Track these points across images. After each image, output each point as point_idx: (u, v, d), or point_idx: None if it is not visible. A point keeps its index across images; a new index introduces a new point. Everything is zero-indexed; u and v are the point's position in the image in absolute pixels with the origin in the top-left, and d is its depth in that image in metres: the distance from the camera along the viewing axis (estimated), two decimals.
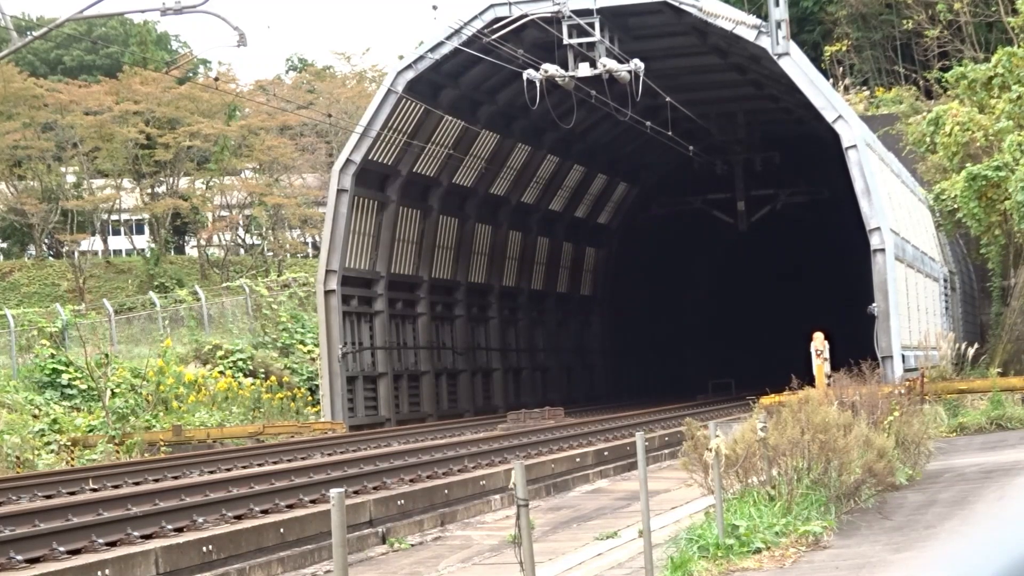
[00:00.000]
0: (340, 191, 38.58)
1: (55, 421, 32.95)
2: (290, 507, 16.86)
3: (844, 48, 64.31)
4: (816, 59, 53.08)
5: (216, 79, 56.08)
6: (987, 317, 49.36)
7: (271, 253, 71.57)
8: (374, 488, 18.74)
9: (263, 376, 41.44)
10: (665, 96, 38.98)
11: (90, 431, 33.02)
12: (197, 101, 68.51)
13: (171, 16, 28.67)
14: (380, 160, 39.81)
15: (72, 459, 30.60)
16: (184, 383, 38.01)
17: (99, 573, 12.95)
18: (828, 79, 47.12)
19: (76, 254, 71.44)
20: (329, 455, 26.43)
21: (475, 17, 36.67)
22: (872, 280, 33.67)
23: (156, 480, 22.20)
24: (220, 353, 41.75)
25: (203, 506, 16.14)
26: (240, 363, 41.64)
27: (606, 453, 25.23)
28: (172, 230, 76.51)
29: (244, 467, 24.09)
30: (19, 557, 13.28)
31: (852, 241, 40.39)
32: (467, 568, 14.40)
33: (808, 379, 22.86)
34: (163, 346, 40.62)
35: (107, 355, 36.28)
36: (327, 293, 38.52)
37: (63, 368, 37.12)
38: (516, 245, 49.47)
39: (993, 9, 57.29)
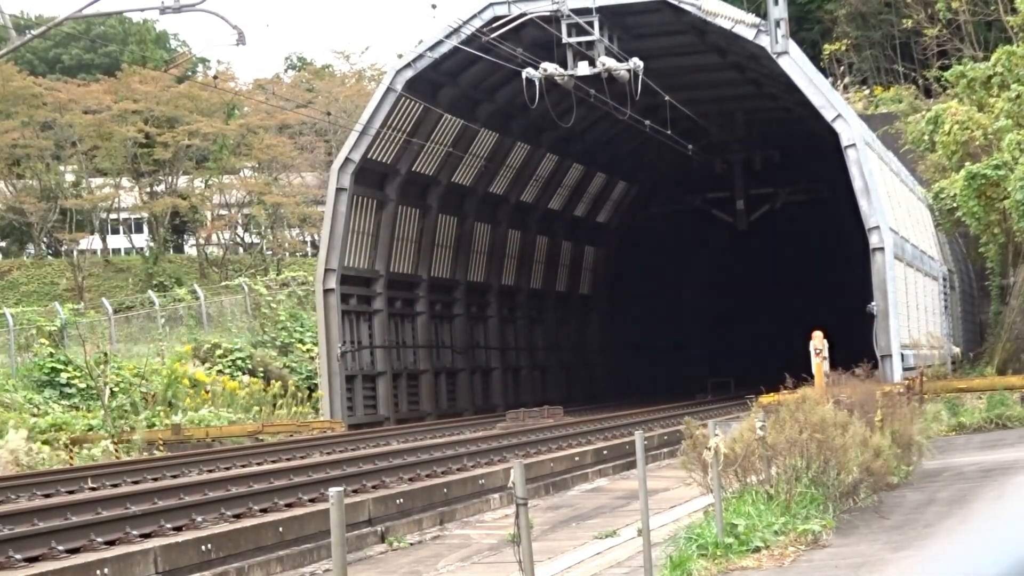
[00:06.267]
0: (339, 190, 38.58)
1: (53, 425, 32.65)
2: (289, 506, 16.86)
3: (843, 47, 64.32)
4: (815, 58, 53.08)
5: (215, 78, 56.10)
6: (986, 316, 49.38)
7: (270, 252, 71.59)
8: (373, 487, 18.74)
9: (262, 375, 41.40)
10: (664, 95, 38.98)
11: (89, 430, 33.00)
12: (196, 100, 68.51)
13: (170, 15, 28.64)
14: (379, 159, 39.81)
15: (71, 458, 30.59)
16: (195, 382, 38.01)
17: (98, 572, 12.94)
18: (827, 78, 47.12)
19: (75, 253, 71.48)
20: (328, 454, 26.42)
21: (474, 16, 36.67)
22: (871, 279, 33.67)
23: (155, 479, 22.19)
24: (219, 352, 41.74)
25: (202, 505, 16.14)
26: (239, 362, 41.63)
27: (605, 452, 25.22)
28: (171, 229, 76.54)
29: (243, 466, 24.08)
30: (18, 556, 13.27)
31: (851, 240, 40.41)
32: (466, 567, 14.40)
33: (807, 378, 22.85)
34: (182, 350, 40.58)
35: (106, 354, 36.27)
36: (326, 292, 38.52)
37: (62, 367, 37.11)
38: (515, 244, 49.47)
39: (992, 8, 57.30)
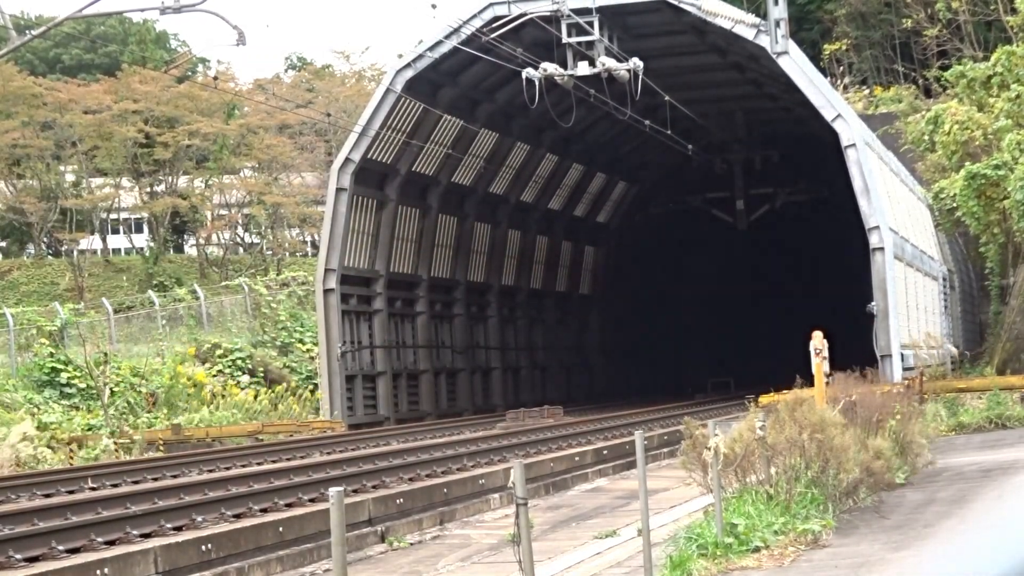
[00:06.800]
0: (339, 190, 38.58)
1: (43, 424, 32.51)
2: (289, 506, 16.86)
3: (843, 47, 64.32)
4: (815, 58, 53.07)
5: (215, 78, 56.04)
6: (986, 316, 49.37)
7: (270, 252, 71.60)
8: (373, 487, 18.74)
9: (262, 375, 41.39)
10: (664, 95, 38.98)
11: (88, 430, 33.00)
12: (196, 100, 68.51)
13: (170, 15, 28.65)
14: (379, 159, 39.81)
15: (71, 458, 30.59)
16: (195, 383, 38.00)
17: (98, 572, 12.94)
18: (827, 78, 47.12)
19: (75, 253, 71.47)
20: (328, 454, 26.43)
21: (474, 16, 36.67)
22: (871, 279, 33.67)
23: (155, 479, 22.20)
24: (219, 352, 41.74)
25: (202, 505, 16.14)
26: (239, 362, 41.62)
27: (605, 452, 25.22)
28: (171, 229, 76.55)
29: (243, 466, 24.08)
30: (18, 556, 13.27)
31: (851, 240, 40.38)
32: (466, 567, 14.40)
33: (807, 378, 22.87)
34: (184, 352, 40.56)
35: (106, 354, 36.29)
36: (326, 292, 38.52)
37: (62, 367, 37.10)
38: (515, 244, 49.47)
39: (992, 8, 57.29)
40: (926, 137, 43.84)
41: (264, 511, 16.36)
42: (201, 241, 73.77)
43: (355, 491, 18.01)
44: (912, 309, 37.63)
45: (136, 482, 21.79)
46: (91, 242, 74.99)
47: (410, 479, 19.78)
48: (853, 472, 15.54)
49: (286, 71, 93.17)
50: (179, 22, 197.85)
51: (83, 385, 36.60)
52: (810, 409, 15.80)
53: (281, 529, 15.35)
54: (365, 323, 40.58)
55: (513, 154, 46.24)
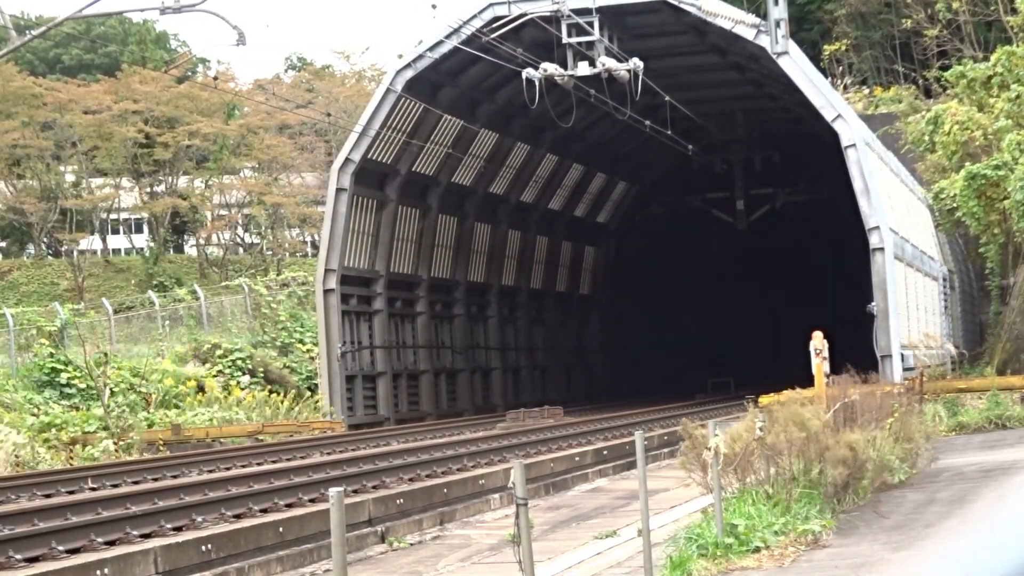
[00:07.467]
0: (339, 190, 38.58)
1: (49, 424, 32.46)
2: (289, 506, 16.86)
3: (843, 47, 64.30)
4: (815, 58, 53.06)
5: (215, 78, 56.03)
6: (986, 316, 49.36)
7: (270, 252, 71.59)
8: (373, 487, 18.74)
9: (261, 375, 41.35)
10: (664, 95, 38.99)
11: (86, 424, 32.93)
12: (196, 100, 68.49)
13: (170, 15, 28.65)
14: (379, 159, 39.81)
15: (71, 458, 30.57)
16: (188, 385, 37.96)
17: (98, 572, 12.94)
18: (827, 78, 47.12)
19: (75, 253, 71.47)
20: (328, 454, 26.43)
21: (474, 16, 36.69)
22: (871, 279, 33.66)
23: (155, 479, 22.19)
24: (219, 352, 41.71)
25: (202, 505, 16.14)
26: (239, 362, 41.59)
27: (605, 452, 25.23)
28: (171, 229, 76.54)
29: (243, 466, 24.08)
30: (18, 556, 13.27)
31: (851, 240, 40.39)
32: (466, 567, 14.40)
33: (807, 379, 22.87)
34: (172, 352, 40.53)
35: (106, 354, 36.25)
36: (326, 292, 38.52)
37: (62, 367, 37.09)
38: (515, 244, 49.48)
39: (992, 8, 57.28)
40: (926, 137, 43.83)
41: (264, 511, 16.36)
42: (201, 241, 73.76)
43: (355, 491, 18.00)
44: (912, 309, 37.63)
45: (136, 482, 21.78)
46: (91, 242, 74.97)
47: (410, 479, 19.78)
48: (839, 468, 15.52)
49: (286, 71, 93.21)
50: (179, 22, 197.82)
51: (83, 385, 36.58)
52: (795, 411, 15.80)
53: (281, 529, 15.35)
54: (365, 323, 40.58)
55: (513, 154, 46.24)
